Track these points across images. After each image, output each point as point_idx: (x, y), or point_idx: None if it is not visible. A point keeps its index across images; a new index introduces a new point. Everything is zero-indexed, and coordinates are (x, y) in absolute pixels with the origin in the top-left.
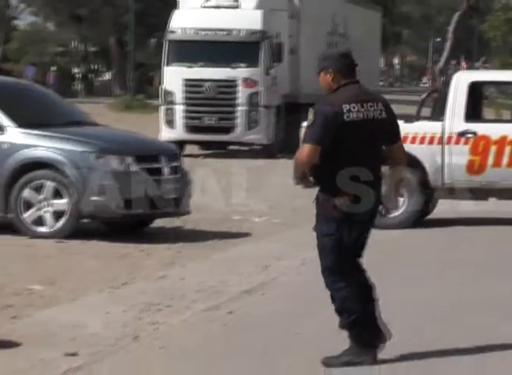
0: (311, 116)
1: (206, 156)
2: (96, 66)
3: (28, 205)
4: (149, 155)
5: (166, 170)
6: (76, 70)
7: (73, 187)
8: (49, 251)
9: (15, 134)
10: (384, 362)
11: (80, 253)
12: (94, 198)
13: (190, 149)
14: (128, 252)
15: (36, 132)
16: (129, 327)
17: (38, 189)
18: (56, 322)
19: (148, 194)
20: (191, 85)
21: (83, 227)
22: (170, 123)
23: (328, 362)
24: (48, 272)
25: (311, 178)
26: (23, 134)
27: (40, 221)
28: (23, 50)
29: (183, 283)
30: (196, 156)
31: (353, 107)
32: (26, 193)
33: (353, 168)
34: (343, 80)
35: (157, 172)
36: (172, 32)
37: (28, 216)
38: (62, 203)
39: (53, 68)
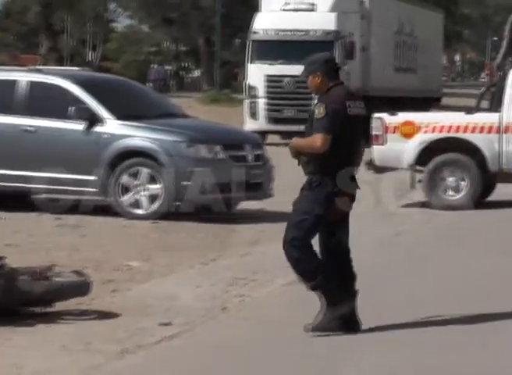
0: (321, 109)
1: (286, 145)
2: (186, 64)
3: (126, 190)
4: (235, 143)
5: (250, 158)
6: (168, 68)
7: (166, 173)
8: (145, 231)
9: (114, 126)
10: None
11: (173, 233)
12: (185, 183)
13: (271, 138)
14: (216, 232)
15: (133, 123)
16: (218, 300)
17: (135, 175)
18: (152, 295)
19: (234, 179)
20: (272, 80)
21: (176, 209)
22: (253, 115)
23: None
24: (144, 250)
25: (305, 161)
26: (121, 125)
27: (136, 204)
28: (120, 50)
29: (266, 259)
30: (277, 145)
31: (351, 103)
32: (124, 179)
33: (350, 168)
34: (331, 82)
35: (242, 159)
36: (255, 33)
37: (126, 199)
38: (156, 188)
39: (153, 65)
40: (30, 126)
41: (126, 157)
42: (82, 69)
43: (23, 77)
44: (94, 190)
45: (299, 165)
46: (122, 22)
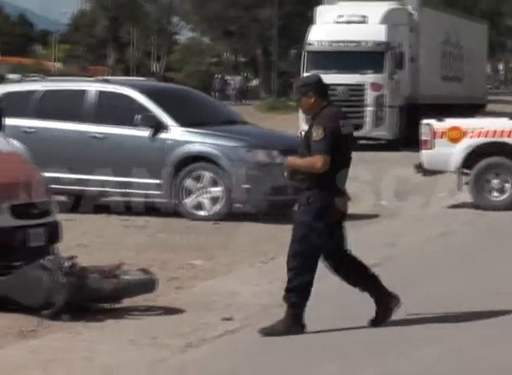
0: (319, 131)
1: None
2: (245, 74)
3: (189, 192)
4: (291, 149)
5: None
6: (228, 77)
7: (227, 177)
8: (207, 231)
9: (177, 132)
10: None
11: (234, 233)
12: (245, 186)
13: None
14: (274, 232)
15: (195, 130)
16: (275, 296)
17: (197, 178)
18: (214, 291)
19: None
20: None
21: (236, 211)
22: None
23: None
24: (206, 249)
25: (302, 178)
26: (185, 132)
27: (199, 206)
28: (183, 61)
29: None
30: None
31: (344, 123)
32: (188, 182)
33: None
34: (324, 102)
35: None
36: (310, 44)
37: (189, 201)
38: (217, 190)
39: (217, 75)
40: (99, 133)
41: (189, 162)
42: (147, 79)
43: (92, 87)
44: (159, 192)
45: (291, 180)
46: (185, 34)
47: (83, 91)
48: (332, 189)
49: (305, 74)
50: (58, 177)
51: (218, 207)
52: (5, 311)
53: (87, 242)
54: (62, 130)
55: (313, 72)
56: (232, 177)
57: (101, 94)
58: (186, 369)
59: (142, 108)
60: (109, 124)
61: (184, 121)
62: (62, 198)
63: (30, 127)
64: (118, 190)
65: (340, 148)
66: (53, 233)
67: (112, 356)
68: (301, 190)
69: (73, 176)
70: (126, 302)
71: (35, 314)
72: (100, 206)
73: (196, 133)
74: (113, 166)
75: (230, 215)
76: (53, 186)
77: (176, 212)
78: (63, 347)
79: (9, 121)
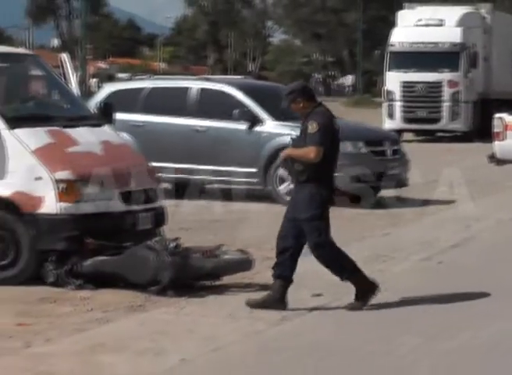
0: (314, 125)
1: (419, 141)
2: (333, 73)
3: (282, 180)
4: (375, 140)
5: (389, 152)
6: (317, 76)
7: None
8: None
9: (271, 125)
10: None
11: None
12: (335, 174)
13: (406, 136)
14: (361, 216)
15: (287, 123)
16: None
17: None
18: (305, 270)
19: (375, 170)
20: (407, 86)
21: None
22: (391, 115)
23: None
24: None
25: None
26: (278, 125)
27: (291, 192)
28: (276, 61)
29: (403, 239)
30: (411, 141)
31: (334, 120)
32: (281, 171)
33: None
34: (313, 103)
35: (382, 153)
36: (392, 45)
37: (282, 188)
38: None
39: (313, 74)
40: (201, 126)
41: None
42: (244, 78)
43: (194, 85)
44: (255, 180)
45: (289, 174)
46: (278, 37)
47: (187, 89)
48: (329, 180)
49: (387, 73)
50: (163, 167)
51: None
52: (116, 288)
53: (190, 226)
54: (167, 123)
55: (395, 70)
56: None
57: (203, 91)
58: (279, 340)
59: (240, 104)
60: (210, 118)
61: (277, 115)
62: (168, 186)
63: (138, 121)
64: (218, 178)
65: (333, 141)
66: (159, 217)
67: (212, 328)
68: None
69: (177, 166)
70: (226, 280)
71: (143, 290)
72: (202, 193)
73: (288, 126)
74: (213, 157)
75: None
76: (159, 175)
77: (270, 198)
78: (169, 320)
79: (119, 116)
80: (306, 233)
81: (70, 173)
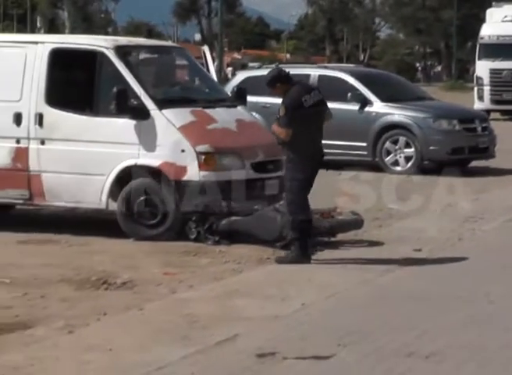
0: (283, 108)
1: (505, 120)
2: (431, 62)
3: (388, 153)
4: (467, 118)
5: (479, 129)
6: (417, 65)
7: (418, 141)
8: (402, 182)
9: (379, 106)
10: None
11: (422, 183)
12: (432, 148)
13: (493, 115)
14: (452, 182)
15: (393, 104)
16: (455, 232)
17: (395, 142)
18: (407, 229)
19: (467, 144)
20: (495, 73)
21: (424, 167)
22: (481, 98)
23: (279, 260)
24: (402, 194)
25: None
26: (385, 106)
27: (396, 163)
28: (383, 52)
29: (491, 203)
30: (498, 120)
31: (307, 97)
32: (387, 144)
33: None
34: (288, 85)
35: (473, 130)
36: (482, 38)
37: (388, 159)
38: (410, 151)
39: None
40: None
41: (389, 129)
42: (356, 66)
43: (314, 72)
44: (365, 153)
45: (278, 143)
46: (385, 31)
47: (308, 75)
48: (309, 147)
49: (478, 62)
50: None
51: (410, 164)
52: (248, 243)
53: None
54: None
55: (484, 59)
56: (421, 141)
57: (321, 77)
58: (385, 288)
59: (352, 88)
60: (327, 100)
61: (384, 97)
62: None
63: (266, 103)
64: (333, 150)
65: (307, 117)
66: (284, 184)
67: (327, 277)
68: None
69: None
70: (340, 237)
71: (270, 245)
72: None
73: (394, 107)
74: (330, 133)
75: (420, 170)
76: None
77: (378, 168)
78: (292, 271)
79: (250, 98)
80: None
81: (209, 146)
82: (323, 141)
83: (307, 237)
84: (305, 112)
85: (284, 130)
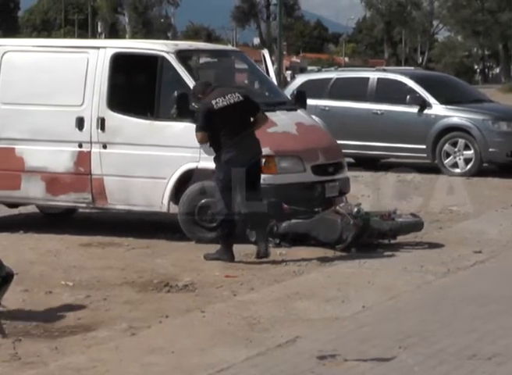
0: (196, 114)
1: None
2: (489, 64)
3: (447, 155)
4: None
5: None
6: (476, 67)
7: (477, 143)
8: (462, 184)
9: (438, 109)
10: None
11: (482, 186)
12: (491, 150)
13: None
14: (509, 185)
15: (452, 107)
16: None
17: (454, 144)
18: (467, 230)
19: None
20: None
21: (484, 169)
22: None
23: (205, 256)
24: (460, 198)
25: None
26: (444, 109)
27: (455, 165)
28: (441, 54)
29: None
30: None
31: (219, 99)
32: (446, 147)
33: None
34: (204, 94)
35: None
36: None
37: (448, 161)
38: (469, 153)
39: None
40: (379, 110)
41: (448, 131)
42: (414, 69)
43: (373, 75)
44: (424, 155)
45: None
46: (443, 34)
47: (367, 78)
48: (224, 150)
49: None
50: (347, 144)
51: (469, 166)
52: (308, 246)
53: (369, 193)
54: (350, 108)
55: None
56: (480, 143)
57: (380, 80)
58: (446, 290)
59: (411, 91)
60: (386, 103)
61: (444, 100)
62: (351, 160)
63: (325, 106)
64: (392, 153)
65: (219, 118)
66: (344, 186)
67: (388, 280)
68: None
69: (359, 143)
70: (400, 239)
71: (331, 248)
72: (380, 165)
73: (453, 109)
74: (389, 135)
75: (479, 172)
76: (344, 150)
77: (437, 170)
78: (352, 273)
79: (310, 101)
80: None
81: (270, 150)
82: (383, 144)
83: (230, 235)
84: (217, 113)
85: (198, 133)
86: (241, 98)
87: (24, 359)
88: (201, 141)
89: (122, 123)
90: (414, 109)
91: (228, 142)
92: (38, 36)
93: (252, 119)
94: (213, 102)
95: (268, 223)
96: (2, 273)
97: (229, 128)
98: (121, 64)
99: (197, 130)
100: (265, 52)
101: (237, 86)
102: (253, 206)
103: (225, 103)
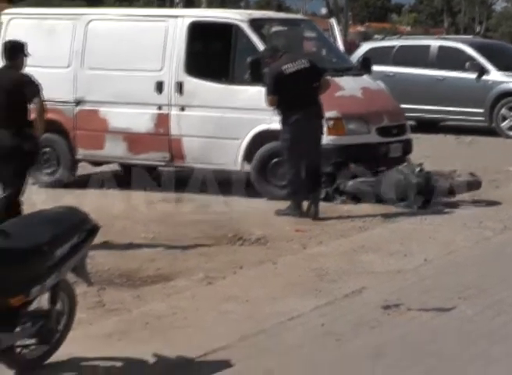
0: (266, 78)
1: None
2: None
3: (504, 118)
4: None
5: None
6: None
7: None
8: None
9: (496, 75)
10: None
11: None
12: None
13: None
14: None
15: (509, 73)
16: None
17: (510, 108)
18: None
19: None
20: None
21: None
22: None
23: (277, 212)
24: None
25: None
26: (501, 75)
27: (511, 128)
28: (498, 24)
29: None
30: None
31: (289, 65)
32: (503, 111)
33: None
34: (274, 58)
35: None
36: None
37: (504, 125)
38: None
39: None
40: (440, 76)
41: (505, 96)
42: (473, 37)
43: (433, 43)
44: (482, 118)
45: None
46: (500, 4)
47: (428, 46)
48: (290, 113)
49: None
50: (409, 108)
51: None
52: (372, 203)
53: (430, 154)
54: (413, 74)
55: None
56: None
57: (441, 47)
58: (504, 246)
59: (470, 58)
60: (447, 69)
61: (501, 66)
62: (412, 123)
63: (389, 72)
64: (452, 116)
65: (287, 84)
66: (407, 147)
67: (449, 235)
68: None
69: (420, 107)
70: (459, 197)
71: (394, 205)
72: (439, 128)
73: (510, 75)
74: (449, 100)
75: None
76: (406, 114)
77: (494, 133)
78: (414, 228)
79: (375, 68)
80: None
81: (337, 112)
82: (443, 108)
83: (298, 193)
84: (286, 79)
85: (268, 97)
86: (308, 64)
87: (108, 306)
88: (271, 104)
89: (199, 86)
90: (473, 75)
91: (294, 106)
92: (120, 6)
93: (317, 84)
94: (283, 68)
95: (321, 186)
96: (89, 226)
97: (296, 92)
98: (197, 32)
99: (267, 93)
100: (333, 21)
101: (306, 53)
102: (312, 167)
103: (294, 69)
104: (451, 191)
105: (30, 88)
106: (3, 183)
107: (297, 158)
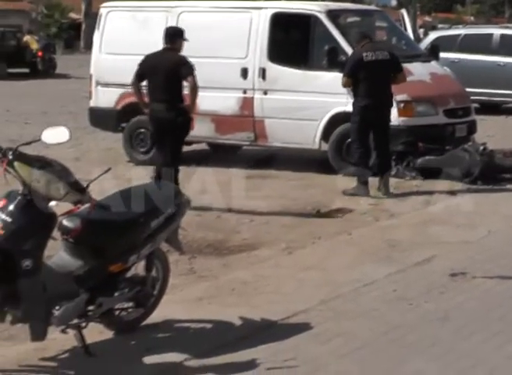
0: (348, 59)
1: None
2: None
3: None
4: None
5: None
6: None
7: None
8: None
9: None
10: None
11: None
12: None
13: None
14: None
15: None
16: None
17: None
18: None
19: None
20: None
21: None
22: None
23: (344, 191)
24: None
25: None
26: None
27: None
28: None
29: None
30: None
31: (369, 53)
32: None
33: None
34: (359, 44)
35: None
36: None
37: None
38: None
39: None
40: (502, 62)
41: None
42: None
43: (496, 31)
44: None
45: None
46: None
47: (491, 34)
48: (362, 97)
49: None
50: (474, 91)
51: None
52: (439, 179)
53: (493, 134)
54: (477, 60)
55: None
56: None
57: (502, 36)
58: None
59: None
60: (508, 56)
61: None
62: (476, 105)
63: (455, 58)
64: (505, 99)
65: (364, 71)
66: (472, 127)
67: (510, 208)
68: None
69: (484, 91)
70: None
71: (459, 181)
72: (502, 110)
73: None
74: (511, 84)
75: None
76: (471, 97)
77: None
78: (478, 202)
79: (441, 54)
80: None
81: (407, 96)
82: (505, 91)
83: (365, 172)
84: (364, 65)
85: (344, 78)
86: (388, 56)
87: (199, 273)
88: (345, 85)
89: (280, 72)
90: None
91: (366, 92)
92: None
93: (392, 75)
94: (364, 54)
95: (390, 167)
96: (181, 199)
97: (371, 79)
98: (279, 22)
99: (344, 74)
100: (404, 12)
101: (378, 41)
102: (381, 150)
103: (373, 58)
104: (511, 169)
105: (186, 68)
106: (161, 152)
107: (365, 139)
